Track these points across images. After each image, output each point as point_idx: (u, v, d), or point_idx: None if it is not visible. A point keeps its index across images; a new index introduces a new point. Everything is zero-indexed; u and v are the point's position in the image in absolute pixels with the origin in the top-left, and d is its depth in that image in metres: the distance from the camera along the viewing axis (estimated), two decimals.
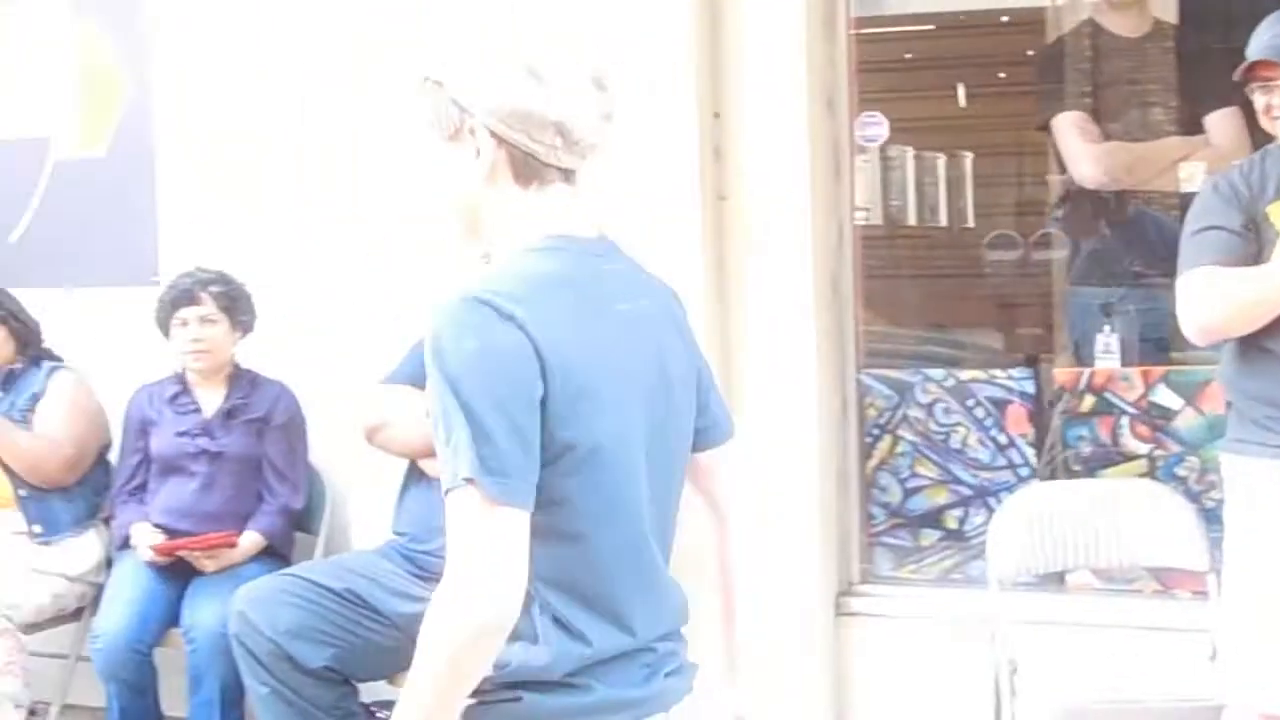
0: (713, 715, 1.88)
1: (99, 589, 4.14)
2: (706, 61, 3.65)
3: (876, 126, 3.91)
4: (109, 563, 4.19)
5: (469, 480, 1.45)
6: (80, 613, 4.26)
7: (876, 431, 4.03)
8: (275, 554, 4.03)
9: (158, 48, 4.53)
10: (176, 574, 3.96)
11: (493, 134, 1.64)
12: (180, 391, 4.13)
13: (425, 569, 3.41)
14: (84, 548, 4.25)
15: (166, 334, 4.07)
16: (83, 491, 4.30)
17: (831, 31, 3.72)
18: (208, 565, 3.92)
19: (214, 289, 4.06)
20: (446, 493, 1.49)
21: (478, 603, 1.48)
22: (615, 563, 1.65)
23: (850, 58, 3.78)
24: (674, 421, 1.75)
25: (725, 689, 1.91)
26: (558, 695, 1.56)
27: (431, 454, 3.13)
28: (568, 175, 1.70)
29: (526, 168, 1.66)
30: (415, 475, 3.65)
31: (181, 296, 4.06)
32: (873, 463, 4.02)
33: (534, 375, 1.50)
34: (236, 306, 4.09)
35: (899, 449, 4.01)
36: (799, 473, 3.70)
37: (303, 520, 4.18)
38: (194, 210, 4.54)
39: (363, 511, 4.17)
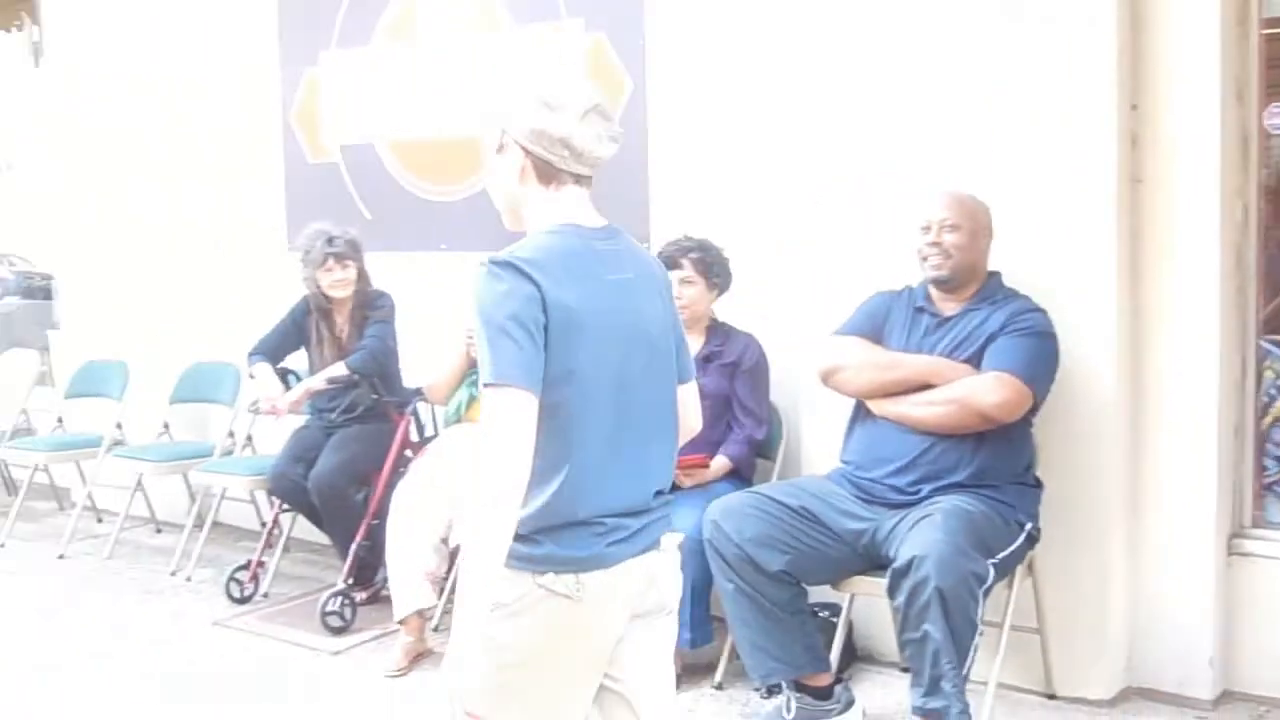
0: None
1: None
2: (1127, 59, 3.80)
3: None
4: None
5: (489, 384, 2.07)
6: None
7: (1274, 392, 4.03)
8: (740, 476, 4.31)
9: (652, 52, 4.89)
10: None
11: (521, 147, 2.24)
12: None
13: (868, 493, 3.72)
14: None
15: None
16: None
17: (1244, 30, 3.82)
18: (685, 482, 4.17)
19: (693, 255, 4.35)
20: (484, 387, 2.11)
21: (508, 449, 2.06)
22: (580, 457, 2.18)
23: (1260, 54, 3.83)
24: (657, 357, 2.32)
25: None
26: (517, 542, 2.10)
27: (879, 395, 3.57)
28: (580, 179, 2.30)
29: (546, 172, 2.26)
30: (862, 412, 3.85)
31: (666, 261, 4.23)
32: (1267, 420, 4.04)
33: (539, 310, 2.10)
34: (712, 270, 4.37)
35: None
36: (1200, 425, 3.88)
37: (763, 448, 4.45)
38: (680, 186, 4.88)
39: (814, 442, 4.39)
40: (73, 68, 7.12)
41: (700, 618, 4.15)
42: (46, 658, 4.80)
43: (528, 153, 2.25)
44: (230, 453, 6.12)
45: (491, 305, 2.11)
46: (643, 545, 2.28)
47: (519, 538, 2.12)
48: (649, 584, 2.32)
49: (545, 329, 2.12)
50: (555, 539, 2.17)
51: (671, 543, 2.37)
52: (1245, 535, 3.99)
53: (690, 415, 2.49)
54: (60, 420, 6.90)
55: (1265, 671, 3.93)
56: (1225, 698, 3.99)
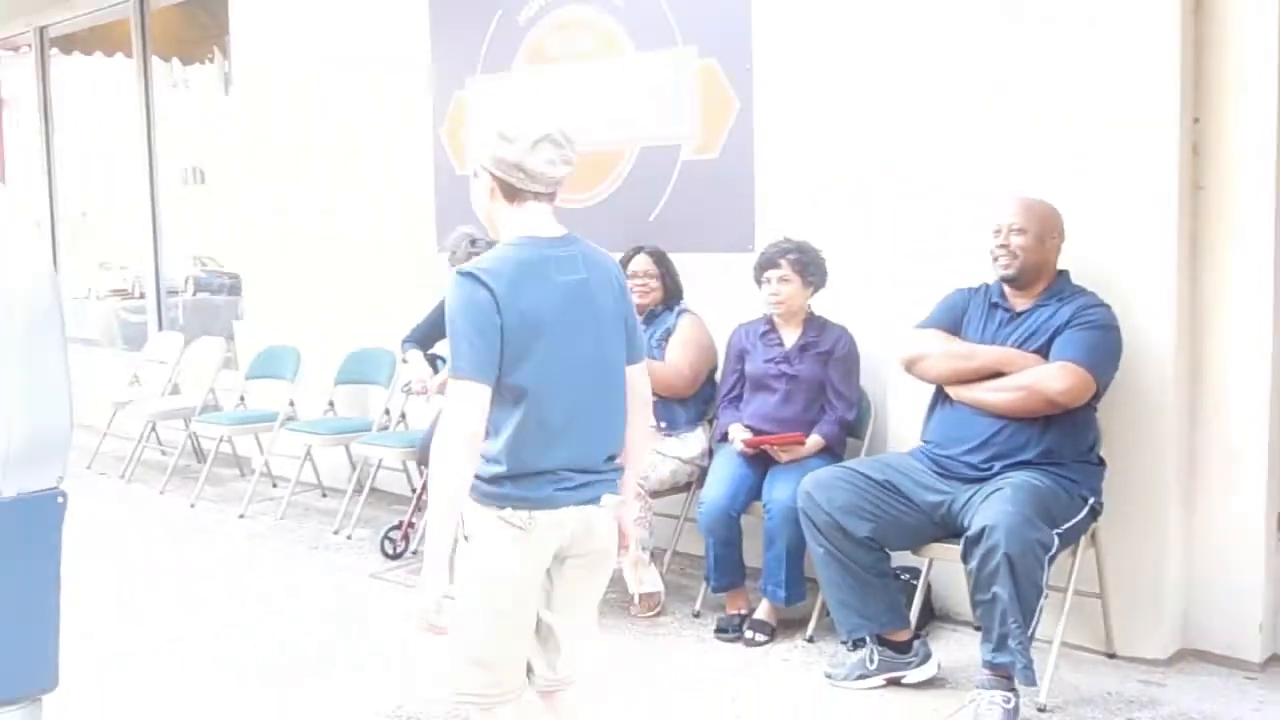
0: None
1: (703, 470, 4.55)
2: (1189, 76, 3.77)
3: None
4: (711, 451, 4.59)
5: (452, 376, 2.39)
6: (689, 486, 4.68)
7: None
8: (831, 452, 4.31)
9: (758, 74, 4.91)
10: (759, 462, 4.32)
11: (488, 172, 2.49)
12: (769, 329, 4.45)
13: (946, 469, 3.73)
14: (694, 439, 4.67)
15: (759, 287, 4.43)
16: (696, 399, 4.70)
17: None
18: (782, 457, 4.27)
19: (790, 256, 4.35)
20: (449, 377, 2.42)
21: (458, 426, 2.38)
22: (537, 423, 2.45)
23: None
24: (606, 343, 2.57)
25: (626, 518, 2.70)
26: (486, 484, 2.44)
27: (956, 381, 3.61)
28: (539, 196, 2.52)
29: (509, 192, 2.50)
30: (941, 397, 3.86)
31: (767, 261, 4.40)
32: None
33: (494, 313, 2.38)
34: (808, 270, 4.36)
35: None
36: (1252, 411, 3.85)
37: (853, 428, 4.46)
38: (783, 192, 4.88)
39: (898, 423, 4.41)
40: (256, 94, 7.34)
41: (794, 578, 4.20)
42: (230, 601, 5.00)
43: (493, 176, 2.51)
44: (386, 428, 6.22)
45: (456, 311, 2.42)
46: (586, 497, 2.54)
47: (488, 480, 2.45)
48: (587, 532, 2.58)
49: (501, 328, 2.40)
50: (515, 484, 2.46)
51: (611, 502, 2.60)
52: None
53: (641, 388, 2.71)
54: (242, 398, 7.09)
55: None
56: (1273, 660, 3.96)
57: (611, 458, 2.61)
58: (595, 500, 2.56)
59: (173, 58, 8.99)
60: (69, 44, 9.78)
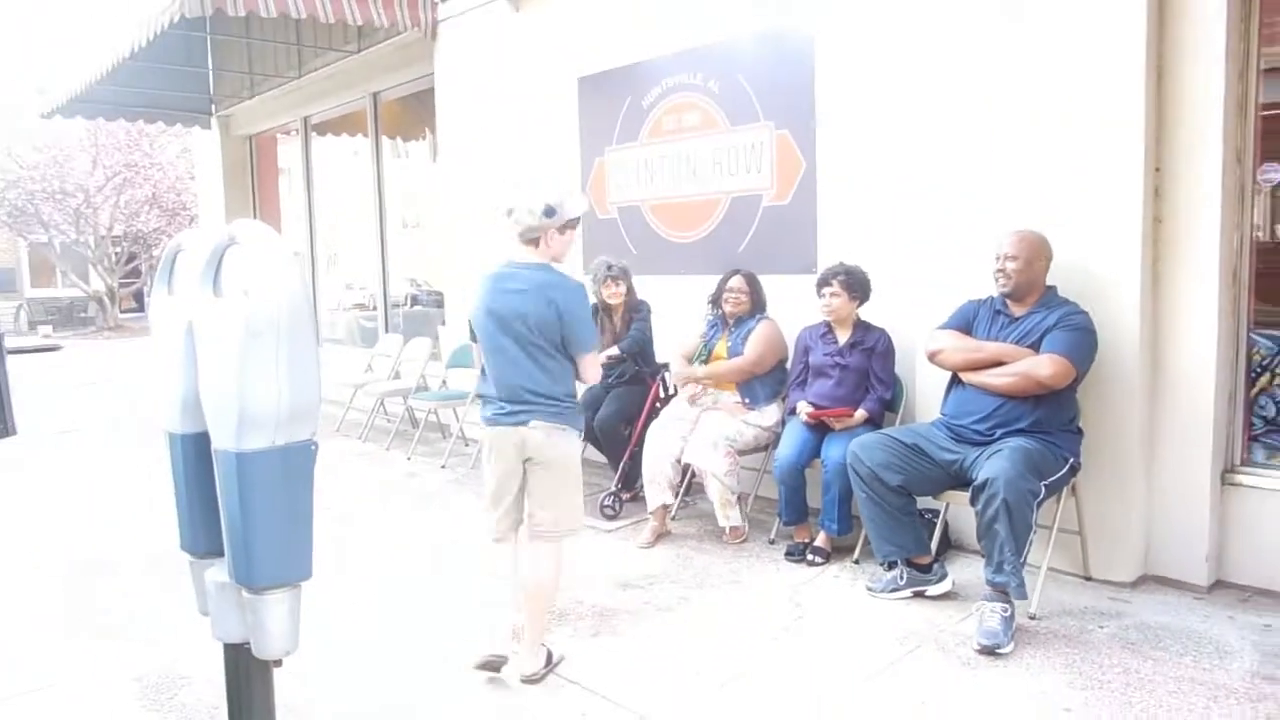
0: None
1: (777, 435, 4.59)
2: (1152, 131, 3.70)
3: (1273, 173, 3.80)
4: (783, 421, 4.61)
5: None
6: (767, 447, 4.71)
7: (1259, 370, 3.94)
8: (874, 423, 4.34)
9: (819, 143, 4.92)
10: (819, 429, 4.36)
11: None
12: (826, 331, 4.49)
13: (959, 435, 3.72)
14: (771, 412, 4.70)
15: (819, 299, 4.45)
16: (771, 382, 4.72)
17: (1244, 110, 3.67)
18: (836, 426, 4.32)
19: (840, 277, 4.38)
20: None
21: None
22: (494, 373, 3.12)
23: (1257, 127, 3.69)
24: (526, 332, 3.04)
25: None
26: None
27: (967, 369, 3.60)
28: (520, 237, 3.10)
29: (512, 235, 3.12)
30: (956, 380, 3.85)
31: (822, 281, 4.45)
32: (1254, 390, 3.92)
33: (475, 305, 3.13)
34: (853, 288, 4.39)
35: (1276, 381, 3.92)
36: (1200, 395, 3.76)
37: (890, 405, 4.47)
38: (839, 228, 4.89)
39: (923, 401, 4.39)
40: (455, 162, 7.49)
41: (844, 515, 4.22)
42: (435, 522, 5.18)
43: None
44: None
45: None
46: (514, 421, 3.09)
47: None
48: (521, 444, 3.11)
49: (471, 319, 3.18)
50: (483, 409, 3.20)
51: (539, 424, 3.08)
52: (1235, 471, 3.83)
53: (589, 374, 3.19)
54: (444, 381, 7.23)
55: (1247, 567, 3.79)
56: (1217, 585, 3.85)
57: (535, 392, 3.07)
58: (525, 423, 3.08)
59: (396, 136, 9.24)
60: (324, 129, 10.08)
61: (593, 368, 3.18)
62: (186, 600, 1.73)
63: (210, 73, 10.26)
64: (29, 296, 25.04)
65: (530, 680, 3.18)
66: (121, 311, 23.13)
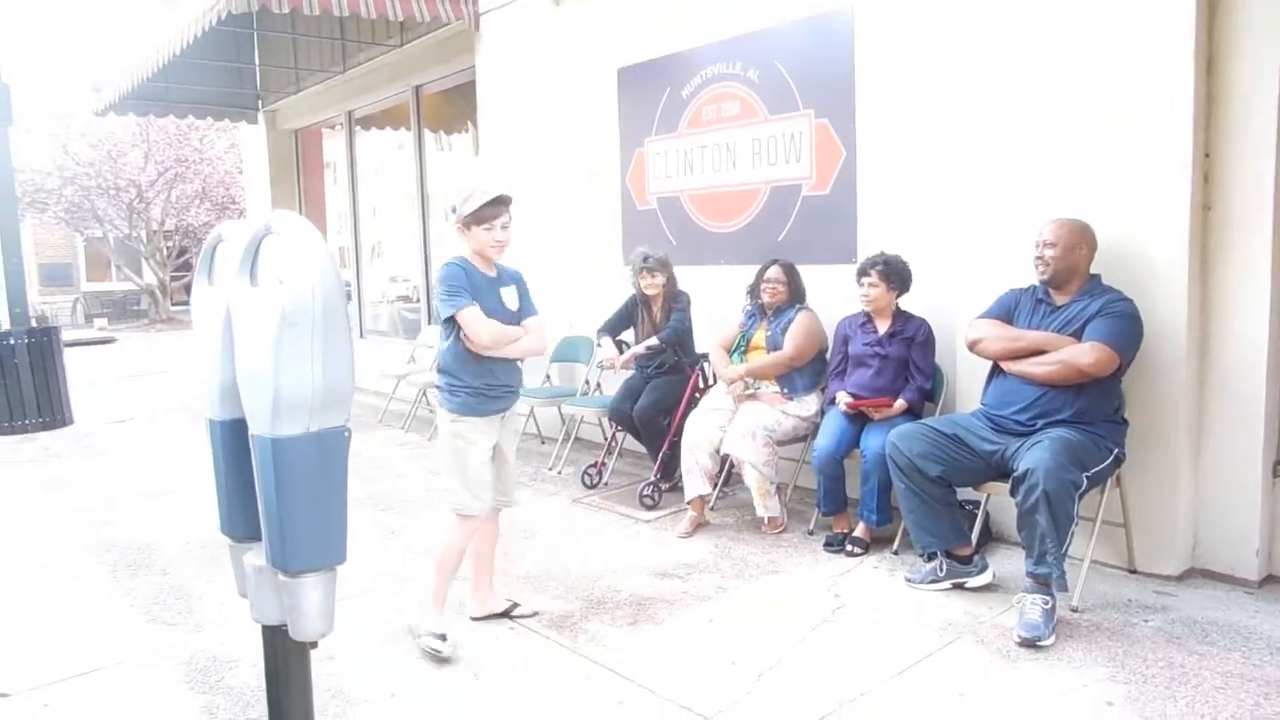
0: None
1: (816, 425, 4.54)
2: (1201, 116, 3.63)
3: None
4: (822, 411, 4.57)
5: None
6: (806, 437, 4.68)
7: None
8: (913, 413, 4.29)
9: (859, 132, 4.88)
10: (858, 419, 4.33)
11: None
12: (866, 320, 4.45)
13: (999, 425, 3.66)
14: (810, 402, 4.65)
15: (859, 288, 4.40)
16: (810, 372, 4.68)
17: None
18: (875, 415, 4.27)
19: (879, 267, 4.33)
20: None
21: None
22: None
23: None
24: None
25: None
26: None
27: (1007, 358, 3.55)
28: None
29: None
30: (997, 370, 3.79)
31: (861, 271, 4.41)
32: None
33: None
34: (892, 278, 4.34)
35: None
36: (1253, 380, 3.68)
37: (930, 394, 4.41)
38: (879, 218, 4.86)
39: (964, 390, 4.36)
40: (497, 154, 7.52)
41: (883, 506, 4.19)
42: None
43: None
44: (586, 394, 6.32)
45: None
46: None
47: None
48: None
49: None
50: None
51: (438, 403, 3.40)
52: None
53: (528, 330, 3.44)
54: None
55: None
56: (1268, 580, 3.77)
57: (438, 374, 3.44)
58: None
59: (439, 129, 9.28)
60: (368, 123, 10.17)
61: (469, 329, 3.29)
62: (231, 584, 1.77)
63: (257, 68, 10.44)
64: (85, 290, 25.68)
65: (413, 633, 3.42)
66: (173, 304, 23.62)
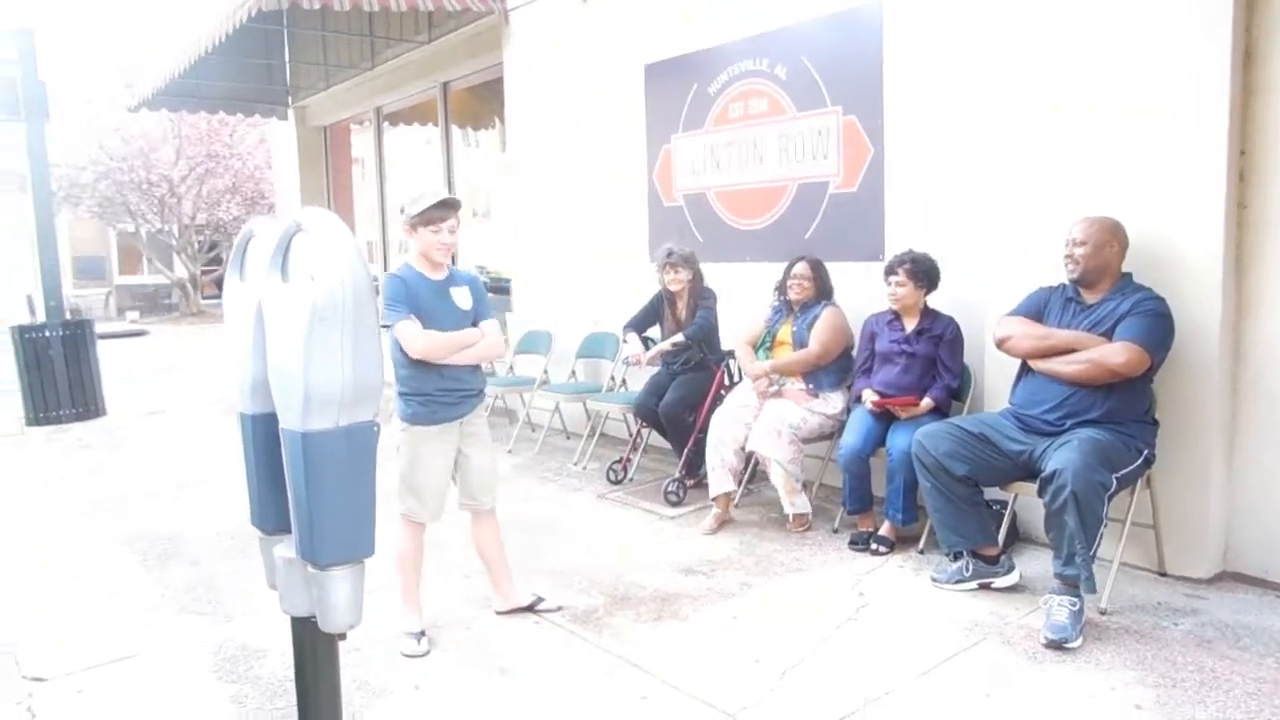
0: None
1: (842, 423, 4.53)
2: (1237, 113, 3.58)
3: None
4: (848, 409, 4.56)
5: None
6: (832, 435, 4.68)
7: None
8: (940, 412, 4.26)
9: (887, 129, 4.84)
10: (884, 418, 4.31)
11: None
12: (893, 318, 4.42)
13: (1027, 425, 3.62)
14: (836, 400, 4.64)
15: (887, 286, 4.38)
16: (836, 370, 4.67)
17: None
18: (902, 414, 4.25)
19: (906, 265, 4.31)
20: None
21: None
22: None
23: None
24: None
25: None
26: None
27: (1036, 356, 3.53)
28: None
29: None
30: (1025, 369, 3.75)
31: (889, 268, 4.37)
32: None
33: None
34: (919, 275, 4.31)
35: None
36: None
37: (957, 393, 4.38)
38: (907, 215, 4.82)
39: (992, 389, 4.32)
40: (523, 150, 7.54)
41: (909, 505, 4.16)
42: (502, 505, 5.21)
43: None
44: (611, 390, 6.33)
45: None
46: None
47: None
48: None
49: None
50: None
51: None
52: None
53: (485, 331, 3.41)
54: (511, 367, 7.27)
55: None
56: None
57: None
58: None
59: (466, 125, 9.33)
60: (396, 118, 10.23)
61: (403, 342, 3.27)
62: (260, 576, 1.79)
63: (287, 65, 10.52)
64: (117, 283, 26.03)
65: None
66: (203, 298, 23.90)
